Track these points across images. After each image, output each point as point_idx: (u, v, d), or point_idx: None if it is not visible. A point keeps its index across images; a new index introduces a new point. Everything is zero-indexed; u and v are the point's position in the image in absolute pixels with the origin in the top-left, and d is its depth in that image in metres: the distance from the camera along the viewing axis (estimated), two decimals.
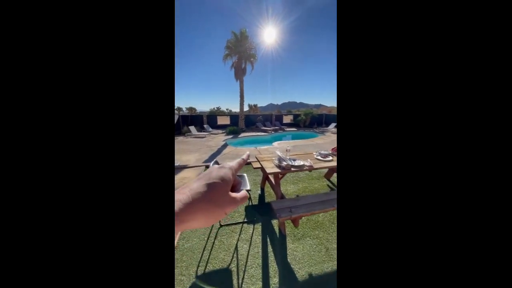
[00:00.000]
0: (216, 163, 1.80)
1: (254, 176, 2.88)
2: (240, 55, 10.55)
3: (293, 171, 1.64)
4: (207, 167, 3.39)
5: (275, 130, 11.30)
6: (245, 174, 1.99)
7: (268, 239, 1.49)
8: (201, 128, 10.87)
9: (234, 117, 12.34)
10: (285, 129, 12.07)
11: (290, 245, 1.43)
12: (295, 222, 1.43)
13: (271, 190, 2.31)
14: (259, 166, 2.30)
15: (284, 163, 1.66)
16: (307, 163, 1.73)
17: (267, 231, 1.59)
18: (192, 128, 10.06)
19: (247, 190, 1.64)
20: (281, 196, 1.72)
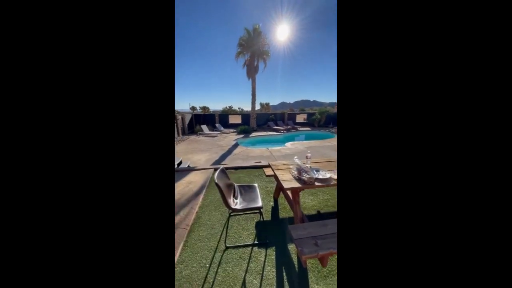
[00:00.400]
0: (223, 171, 1.53)
1: (266, 182, 2.57)
2: (253, 53, 10.24)
3: (317, 187, 1.29)
4: (216, 169, 3.17)
5: (288, 130, 10.83)
6: (255, 184, 1.69)
7: (284, 274, 1.17)
8: (213, 127, 10.90)
9: (245, 116, 12.16)
10: (299, 128, 11.52)
11: (314, 286, 1.10)
12: (323, 260, 1.09)
13: (287, 202, 1.98)
14: (273, 173, 1.99)
15: (306, 175, 1.32)
16: (334, 176, 1.37)
17: (282, 260, 1.27)
18: (204, 127, 10.12)
19: (259, 208, 1.34)
20: (301, 218, 1.38)
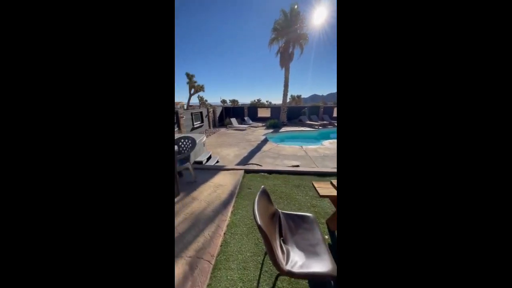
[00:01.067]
0: (264, 193, 1.01)
1: (310, 198, 1.95)
2: (288, 38, 9.15)
3: None
4: (246, 171, 2.73)
5: (323, 125, 9.59)
6: (311, 215, 1.11)
7: None
8: (242, 120, 10.71)
9: (274, 109, 11.44)
10: (336, 124, 10.03)
11: None
12: None
13: None
14: (332, 194, 1.36)
15: None
16: None
17: None
18: (233, 120, 10.01)
19: (331, 276, 0.76)
20: None
